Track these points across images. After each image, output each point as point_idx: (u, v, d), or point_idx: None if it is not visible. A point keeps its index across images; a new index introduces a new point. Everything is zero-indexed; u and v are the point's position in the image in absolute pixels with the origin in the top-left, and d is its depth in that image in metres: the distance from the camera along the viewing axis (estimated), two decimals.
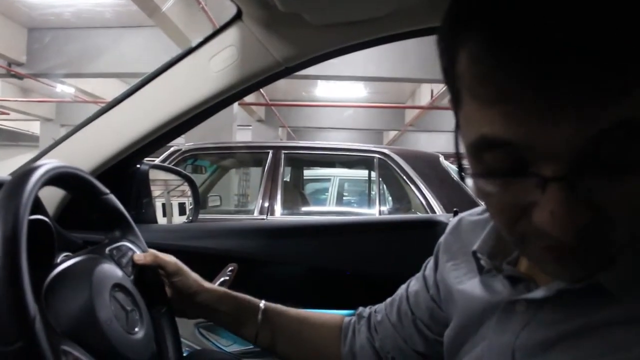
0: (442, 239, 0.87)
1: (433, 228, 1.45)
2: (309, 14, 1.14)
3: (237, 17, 1.24)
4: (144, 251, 1.03)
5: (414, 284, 0.96)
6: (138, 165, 1.51)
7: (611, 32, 0.43)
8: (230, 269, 1.40)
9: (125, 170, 1.43)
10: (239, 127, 11.71)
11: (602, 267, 0.52)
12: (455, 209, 1.47)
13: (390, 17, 1.16)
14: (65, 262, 0.84)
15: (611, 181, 0.46)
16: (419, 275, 0.95)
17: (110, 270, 0.89)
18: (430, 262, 0.91)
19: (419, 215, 1.72)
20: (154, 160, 3.54)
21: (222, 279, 1.40)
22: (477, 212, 0.83)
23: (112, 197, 1.01)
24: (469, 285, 0.74)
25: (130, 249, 1.01)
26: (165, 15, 6.69)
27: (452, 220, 0.86)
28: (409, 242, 1.46)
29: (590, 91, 0.43)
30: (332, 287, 1.46)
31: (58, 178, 0.85)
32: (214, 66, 1.26)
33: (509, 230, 0.53)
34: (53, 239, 0.91)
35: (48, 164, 0.82)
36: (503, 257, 0.69)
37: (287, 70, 1.27)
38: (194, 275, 1.06)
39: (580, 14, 0.43)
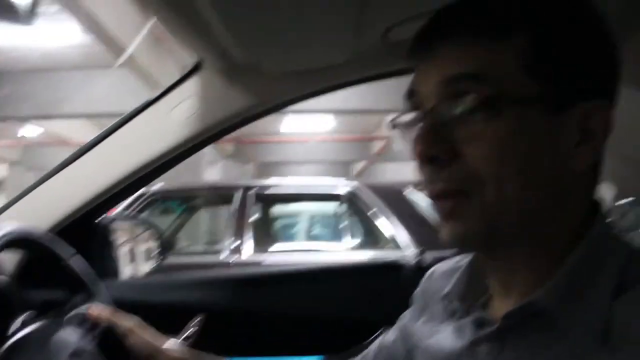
0: (415, 292, 0.86)
1: (398, 270, 1.45)
2: (267, 63, 1.16)
3: (197, 67, 1.25)
4: None
5: (389, 335, 0.94)
6: (102, 217, 1.48)
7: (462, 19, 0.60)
8: (197, 321, 1.37)
9: (88, 223, 1.41)
10: (207, 164, 11.67)
11: (477, 225, 0.58)
12: (421, 248, 1.48)
13: (350, 63, 1.17)
14: (21, 331, 0.82)
15: (468, 126, 0.57)
16: (395, 326, 0.93)
17: (70, 337, 0.87)
18: (407, 313, 0.90)
19: (384, 259, 1.72)
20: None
21: (188, 332, 1.37)
22: (449, 260, 0.83)
23: (78, 259, 0.99)
24: (441, 335, 0.74)
25: None
26: (132, 56, 6.69)
27: (427, 273, 0.85)
28: (376, 287, 1.46)
29: (457, 48, 0.59)
30: (300, 334, 1.45)
31: (17, 242, 0.83)
32: (176, 117, 1.25)
33: (424, 182, 0.62)
34: (10, 304, 0.88)
35: (5, 227, 0.80)
36: (474, 301, 0.69)
37: (248, 118, 1.27)
38: (150, 336, 1.02)
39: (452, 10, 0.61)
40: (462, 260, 0.74)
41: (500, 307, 0.64)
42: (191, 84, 1.25)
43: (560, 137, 0.58)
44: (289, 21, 0.93)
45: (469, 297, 0.69)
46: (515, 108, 0.56)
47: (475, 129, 0.57)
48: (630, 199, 1.02)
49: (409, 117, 0.64)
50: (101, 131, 1.32)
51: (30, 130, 12.29)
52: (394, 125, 0.67)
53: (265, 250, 4.61)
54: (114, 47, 6.73)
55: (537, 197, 0.58)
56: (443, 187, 0.60)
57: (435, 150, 0.58)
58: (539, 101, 0.57)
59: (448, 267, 0.81)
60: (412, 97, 0.63)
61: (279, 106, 1.28)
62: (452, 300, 0.70)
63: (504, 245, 0.61)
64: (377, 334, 1.37)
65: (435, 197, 0.61)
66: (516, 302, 0.61)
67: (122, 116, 1.31)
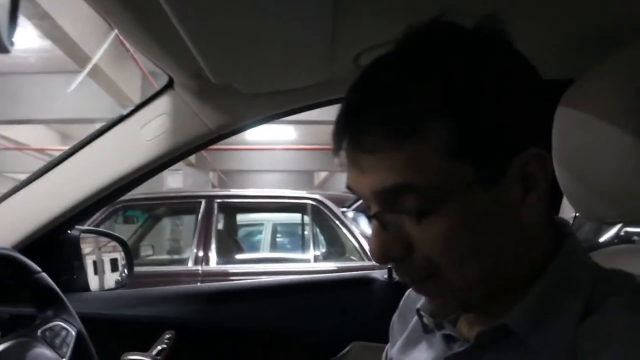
0: (393, 317, 0.87)
1: (369, 285, 1.48)
2: (241, 84, 1.17)
3: (169, 85, 1.25)
4: (78, 329, 1.00)
5: None
6: (69, 231, 1.47)
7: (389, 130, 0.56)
8: (167, 336, 1.37)
9: (56, 238, 1.40)
10: (169, 172, 11.54)
11: (453, 300, 0.61)
12: (389, 265, 1.50)
13: (321, 85, 1.19)
14: None
15: (415, 223, 0.57)
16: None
17: (43, 354, 0.87)
18: (390, 344, 0.89)
19: (354, 273, 1.74)
20: None
21: (159, 348, 1.37)
22: None
23: (44, 276, 0.99)
24: (415, 350, 0.75)
25: (64, 328, 0.99)
26: (95, 64, 6.60)
27: (404, 296, 0.86)
28: (346, 301, 1.48)
29: (377, 160, 0.57)
30: (272, 349, 1.46)
31: None
32: (146, 134, 1.26)
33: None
34: None
35: None
36: (445, 316, 0.71)
37: (219, 137, 1.29)
38: None
39: (372, 114, 0.57)
40: None
41: (471, 324, 0.67)
42: (163, 102, 1.26)
43: (505, 199, 0.57)
44: (262, 46, 0.93)
45: (432, 308, 0.70)
46: (452, 198, 0.55)
47: (420, 227, 0.57)
48: None
49: (361, 207, 0.66)
50: (64, 137, 1.31)
51: None
52: (349, 210, 0.68)
53: (231, 260, 4.61)
54: (74, 52, 6.63)
55: (497, 264, 0.59)
56: (408, 276, 0.61)
57: (389, 252, 0.59)
58: (473, 182, 0.56)
59: None
60: (354, 193, 0.63)
61: (250, 124, 1.29)
62: (424, 315, 0.72)
63: (479, 305, 0.63)
64: (347, 348, 1.40)
65: (406, 281, 0.63)
66: (487, 321, 0.63)
67: (93, 132, 1.32)
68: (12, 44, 0.56)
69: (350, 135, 0.59)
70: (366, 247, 3.94)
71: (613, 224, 3.53)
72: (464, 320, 0.70)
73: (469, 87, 0.56)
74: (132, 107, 1.30)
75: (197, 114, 1.24)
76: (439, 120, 0.55)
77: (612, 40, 0.93)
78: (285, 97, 1.24)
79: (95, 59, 6.01)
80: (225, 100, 1.23)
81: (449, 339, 0.69)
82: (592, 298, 0.58)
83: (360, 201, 0.63)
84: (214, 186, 15.32)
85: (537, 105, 0.61)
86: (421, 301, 0.73)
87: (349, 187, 0.63)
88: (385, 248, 0.59)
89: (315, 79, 1.16)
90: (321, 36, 0.90)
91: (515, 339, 0.59)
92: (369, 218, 0.61)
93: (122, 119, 1.29)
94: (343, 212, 4.05)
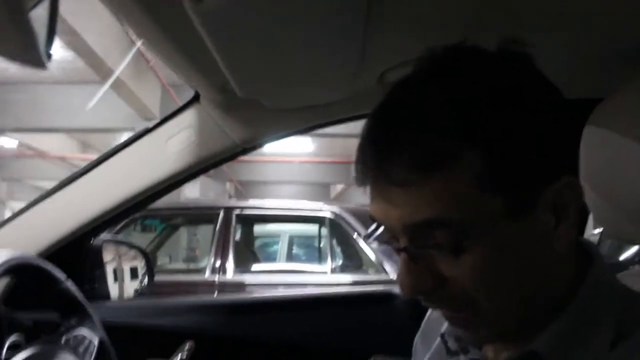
0: (416, 338, 0.87)
1: (389, 302, 1.48)
2: (267, 100, 1.17)
3: (195, 99, 1.27)
4: (101, 338, 1.01)
5: None
6: (92, 240, 1.49)
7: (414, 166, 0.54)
8: (187, 347, 1.38)
9: (80, 247, 1.42)
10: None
11: (486, 329, 0.60)
12: None
13: (346, 101, 1.19)
14: (17, 355, 0.83)
15: (447, 257, 0.55)
16: None
17: None
18: None
19: (376, 289, 1.74)
20: None
21: (178, 357, 1.37)
22: None
23: (70, 285, 1.00)
24: None
25: (87, 336, 1.00)
26: (117, 76, 6.68)
27: (426, 316, 0.86)
28: (367, 317, 1.48)
29: (406, 193, 0.55)
30: None
31: (13, 270, 0.84)
32: (172, 147, 1.27)
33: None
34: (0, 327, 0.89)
35: (2, 255, 0.81)
36: (477, 344, 0.70)
37: (244, 150, 1.30)
38: None
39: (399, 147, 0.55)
40: None
41: (497, 349, 0.67)
42: (188, 115, 1.27)
43: (538, 229, 0.56)
44: (290, 62, 0.94)
45: (464, 336, 0.70)
46: (485, 231, 0.54)
47: (453, 260, 0.55)
48: None
49: (385, 238, 0.61)
50: (85, 146, 1.33)
51: (5, 142, 12.11)
52: (371, 240, 0.64)
53: (248, 270, 4.61)
54: (96, 64, 6.72)
55: (530, 292, 0.58)
56: (439, 307, 0.61)
57: (422, 286, 0.57)
58: (506, 214, 0.54)
59: None
60: (380, 224, 0.60)
61: (275, 138, 1.30)
62: (448, 340, 0.71)
63: (514, 331, 0.62)
64: None
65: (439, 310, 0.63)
66: (513, 345, 0.63)
67: (118, 144, 1.33)
68: (49, 59, 0.56)
69: (377, 166, 0.57)
70: (385, 265, 3.93)
71: None
72: (490, 344, 0.69)
73: (499, 117, 0.55)
74: (157, 121, 1.31)
75: (222, 127, 1.25)
76: (470, 151, 0.53)
77: (639, 59, 0.93)
78: (309, 113, 1.25)
79: (117, 72, 6.08)
80: (251, 114, 1.24)
81: None
82: (622, 324, 0.58)
83: (381, 230, 0.60)
84: (230, 197, 15.36)
85: (565, 130, 0.60)
86: (445, 324, 0.72)
87: (372, 218, 0.60)
88: (416, 282, 0.57)
89: (340, 96, 1.17)
90: (349, 54, 0.91)
91: None
92: (398, 251, 0.59)
93: (147, 131, 1.30)
94: (363, 237, 4.03)
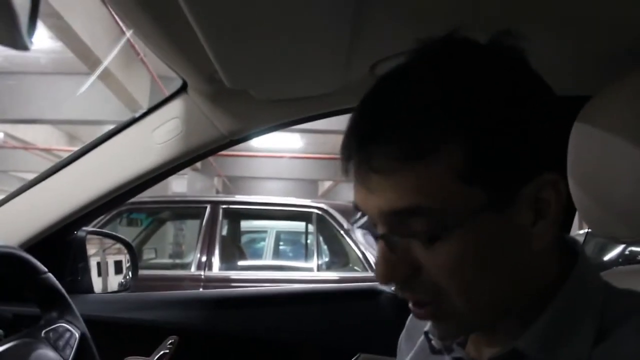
0: (401, 336, 0.86)
1: (376, 297, 1.47)
2: (255, 90, 1.16)
3: (182, 89, 1.25)
4: (82, 331, 0.99)
5: None
6: (75, 232, 1.47)
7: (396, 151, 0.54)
8: (170, 341, 1.36)
9: (62, 238, 1.40)
10: (174, 176, 11.52)
11: (456, 324, 0.60)
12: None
13: (336, 94, 1.18)
14: None
15: (423, 246, 0.55)
16: None
17: (46, 355, 0.86)
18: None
19: (362, 285, 1.73)
20: None
21: (161, 352, 1.36)
22: None
23: (50, 276, 0.98)
24: None
25: (68, 330, 0.98)
26: (105, 67, 6.63)
27: (411, 314, 0.86)
28: (352, 312, 1.47)
29: (386, 181, 0.55)
30: (275, 359, 1.45)
31: None
32: (158, 138, 1.26)
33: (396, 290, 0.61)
34: None
35: None
36: (451, 340, 0.69)
37: (231, 142, 1.28)
38: None
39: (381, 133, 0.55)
40: None
41: (479, 347, 0.66)
42: (175, 105, 1.26)
43: (515, 225, 0.56)
44: (279, 52, 0.93)
45: (431, 331, 0.70)
46: (462, 223, 0.54)
47: (429, 251, 0.55)
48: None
49: (366, 223, 0.62)
50: (71, 138, 1.31)
51: None
52: (355, 227, 0.65)
53: (234, 266, 4.60)
54: (84, 54, 6.66)
55: (505, 290, 0.58)
56: (411, 298, 0.60)
57: (396, 275, 0.58)
58: (485, 207, 0.54)
59: None
60: (360, 211, 0.61)
61: (263, 131, 1.29)
62: (432, 338, 0.70)
63: (485, 328, 0.63)
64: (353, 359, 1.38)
65: (409, 303, 0.62)
66: (496, 342, 0.62)
67: (103, 133, 1.31)
68: (31, 41, 0.55)
69: (360, 153, 0.57)
70: (370, 258, 3.93)
71: (629, 244, 3.52)
72: (472, 342, 0.69)
73: (485, 110, 0.54)
74: (144, 110, 1.29)
75: (209, 118, 1.24)
76: (453, 143, 0.53)
77: (629, 58, 0.93)
78: (299, 105, 1.24)
79: (106, 62, 6.04)
80: (239, 105, 1.23)
81: None
82: (605, 321, 0.57)
83: (366, 218, 0.61)
84: (218, 192, 15.33)
85: (552, 128, 0.59)
86: (429, 323, 0.71)
87: (355, 206, 0.61)
88: (391, 270, 0.57)
89: (330, 88, 1.16)
90: (338, 45, 0.90)
91: None
92: (376, 238, 0.59)
93: (133, 121, 1.29)
94: (347, 229, 4.04)
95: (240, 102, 1.22)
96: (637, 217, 0.74)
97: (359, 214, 0.62)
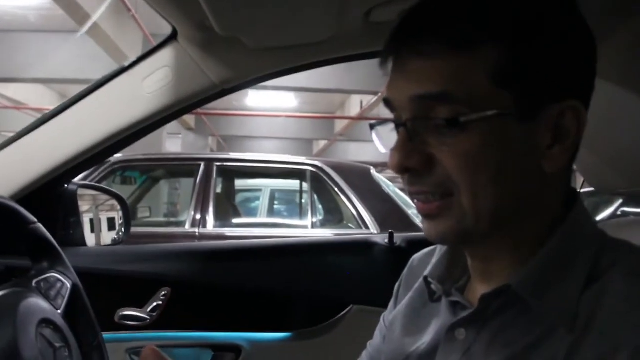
0: (397, 285, 0.86)
1: (369, 249, 1.46)
2: (247, 37, 1.13)
3: (172, 37, 1.22)
4: (74, 282, 0.98)
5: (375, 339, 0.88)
6: (66, 185, 1.45)
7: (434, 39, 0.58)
8: (163, 293, 1.37)
9: (52, 191, 1.38)
10: (168, 135, 11.49)
11: (457, 223, 0.60)
12: (390, 231, 1.49)
13: (330, 41, 1.16)
14: None
15: (442, 137, 0.58)
16: (377, 331, 0.88)
17: (37, 304, 0.85)
18: (389, 308, 0.87)
19: (355, 237, 1.73)
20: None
21: (154, 304, 1.36)
22: (428, 248, 0.83)
23: (40, 226, 0.96)
24: (420, 318, 0.74)
25: (59, 280, 0.96)
26: (95, 23, 6.50)
27: (408, 264, 0.85)
28: (346, 264, 1.47)
29: (427, 64, 0.58)
30: (269, 310, 1.45)
31: None
32: (148, 87, 1.23)
33: (404, 183, 0.64)
34: None
35: None
36: (453, 283, 0.70)
37: (223, 92, 1.25)
38: None
39: (422, 23, 0.60)
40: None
41: (478, 291, 0.66)
42: (165, 54, 1.22)
43: (533, 141, 0.59)
44: None
45: (447, 280, 0.70)
46: (486, 120, 0.57)
47: (448, 141, 0.58)
48: (589, 189, 1.04)
49: (387, 124, 0.65)
50: (63, 98, 1.28)
51: None
52: (373, 127, 0.68)
53: (229, 223, 4.61)
54: (74, 11, 6.54)
55: (510, 202, 0.59)
56: (421, 190, 0.61)
57: (411, 162, 0.60)
58: (510, 111, 0.57)
59: (426, 252, 0.82)
60: (389, 104, 0.64)
61: (256, 80, 1.26)
62: (432, 282, 0.71)
63: (479, 242, 0.63)
64: (346, 311, 1.39)
65: (415, 197, 0.63)
66: (493, 285, 0.62)
67: (92, 83, 1.28)
68: None
69: (409, 39, 0.60)
70: (364, 215, 3.93)
71: (623, 195, 3.55)
72: (471, 288, 0.69)
73: (532, 22, 0.58)
74: (133, 59, 1.26)
75: (200, 67, 1.21)
76: (496, 42, 0.57)
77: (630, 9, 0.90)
78: (292, 53, 1.21)
79: (95, 17, 5.92)
80: (231, 54, 1.19)
81: (455, 307, 0.68)
82: (597, 266, 0.59)
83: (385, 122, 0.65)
84: (212, 151, 15.29)
85: (585, 59, 0.62)
86: (429, 268, 0.72)
87: (385, 100, 0.64)
88: (406, 157, 0.60)
89: (324, 35, 1.13)
90: None
91: (521, 306, 0.59)
92: (398, 127, 0.62)
93: (122, 70, 1.26)
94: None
95: (232, 50, 1.18)
96: (633, 165, 0.73)
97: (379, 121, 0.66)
